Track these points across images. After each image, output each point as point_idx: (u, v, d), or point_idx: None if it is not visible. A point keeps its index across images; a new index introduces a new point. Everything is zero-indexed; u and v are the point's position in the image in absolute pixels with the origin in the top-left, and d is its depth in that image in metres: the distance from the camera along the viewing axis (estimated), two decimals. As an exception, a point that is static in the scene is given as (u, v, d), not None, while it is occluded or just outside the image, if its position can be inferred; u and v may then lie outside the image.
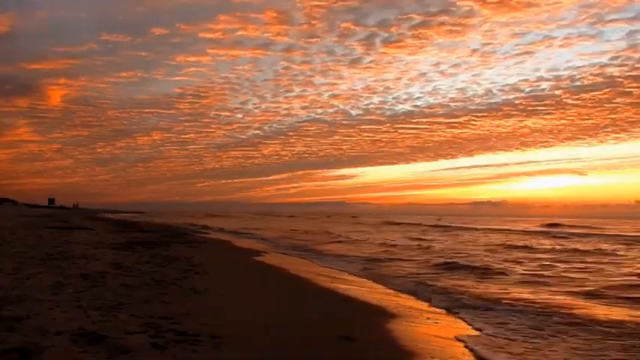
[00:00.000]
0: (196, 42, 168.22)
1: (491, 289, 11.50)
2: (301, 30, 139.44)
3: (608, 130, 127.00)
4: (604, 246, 25.51)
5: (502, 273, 14.15)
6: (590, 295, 10.72)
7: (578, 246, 25.05)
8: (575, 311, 8.95)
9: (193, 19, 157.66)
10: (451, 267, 15.49)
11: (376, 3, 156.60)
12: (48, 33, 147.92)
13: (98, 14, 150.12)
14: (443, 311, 9.06)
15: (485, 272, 14.26)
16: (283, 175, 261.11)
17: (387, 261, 17.49)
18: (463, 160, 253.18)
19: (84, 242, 18.69)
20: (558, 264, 16.91)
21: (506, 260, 17.86)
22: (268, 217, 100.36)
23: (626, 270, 15.27)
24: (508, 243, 27.26)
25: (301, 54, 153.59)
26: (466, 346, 6.53)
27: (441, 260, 17.19)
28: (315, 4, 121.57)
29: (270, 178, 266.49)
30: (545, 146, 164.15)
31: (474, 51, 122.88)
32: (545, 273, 14.29)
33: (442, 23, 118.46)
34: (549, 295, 10.75)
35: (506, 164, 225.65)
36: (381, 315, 8.34)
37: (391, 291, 11.32)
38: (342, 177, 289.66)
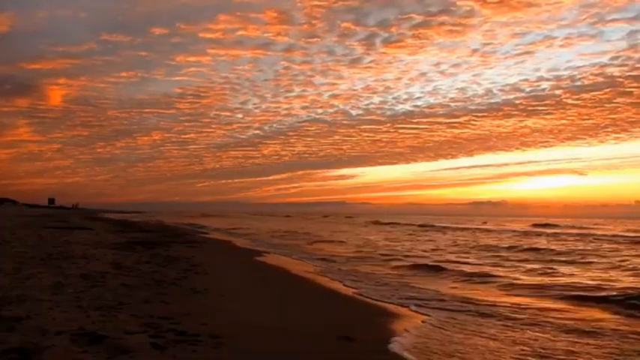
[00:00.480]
0: (196, 42, 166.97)
1: (462, 290, 11.43)
2: (301, 30, 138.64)
3: (609, 130, 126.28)
4: (588, 247, 25.48)
5: (477, 275, 13.91)
6: (562, 298, 10.53)
7: (558, 247, 25.04)
8: (537, 312, 8.97)
9: (193, 19, 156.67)
10: (424, 268, 15.38)
11: (376, 3, 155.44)
12: (47, 33, 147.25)
13: (98, 14, 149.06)
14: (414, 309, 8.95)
15: (459, 274, 14.11)
16: (283, 175, 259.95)
17: (365, 260, 17.60)
18: (463, 160, 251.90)
19: (84, 242, 18.70)
20: (532, 265, 16.76)
21: (484, 263, 17.37)
22: (265, 217, 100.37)
23: (597, 272, 15.09)
24: (491, 244, 27.15)
25: (301, 54, 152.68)
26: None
27: (417, 262, 16.95)
28: (316, 3, 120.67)
29: (270, 178, 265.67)
30: (545, 146, 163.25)
31: (474, 51, 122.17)
32: (519, 276, 14.02)
33: (442, 23, 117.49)
34: (517, 296, 10.73)
35: (506, 164, 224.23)
36: (381, 315, 8.35)
37: (357, 290, 11.04)
38: (342, 177, 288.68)
